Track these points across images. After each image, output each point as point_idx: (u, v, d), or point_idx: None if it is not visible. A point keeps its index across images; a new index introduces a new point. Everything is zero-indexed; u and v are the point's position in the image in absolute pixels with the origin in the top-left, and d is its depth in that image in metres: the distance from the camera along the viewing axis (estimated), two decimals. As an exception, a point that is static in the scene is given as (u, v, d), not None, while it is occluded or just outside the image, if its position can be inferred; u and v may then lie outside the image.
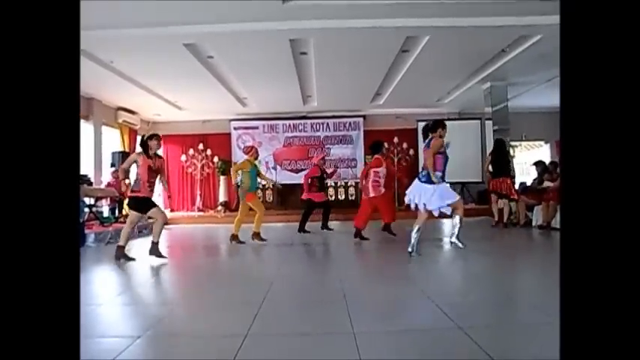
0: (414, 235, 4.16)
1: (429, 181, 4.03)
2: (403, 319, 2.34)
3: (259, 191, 11.04)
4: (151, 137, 4.51)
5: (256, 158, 5.87)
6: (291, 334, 2.09)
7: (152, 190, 4.52)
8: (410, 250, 4.18)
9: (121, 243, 4.45)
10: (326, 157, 8.57)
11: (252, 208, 5.66)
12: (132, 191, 4.48)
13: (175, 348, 1.98)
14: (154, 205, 4.53)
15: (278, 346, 1.93)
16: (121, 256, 4.37)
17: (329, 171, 7.23)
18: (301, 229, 6.53)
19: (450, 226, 4.77)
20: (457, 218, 4.23)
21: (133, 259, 4.38)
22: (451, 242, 4.37)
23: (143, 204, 4.42)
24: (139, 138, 10.34)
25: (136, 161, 4.41)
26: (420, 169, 4.34)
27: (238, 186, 5.79)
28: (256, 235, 5.63)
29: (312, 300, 2.79)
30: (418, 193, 4.13)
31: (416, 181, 4.24)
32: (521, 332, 2.04)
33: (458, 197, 4.23)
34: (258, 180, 5.97)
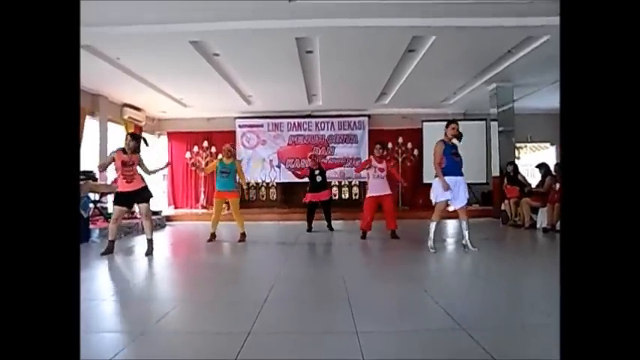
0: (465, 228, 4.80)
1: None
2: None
3: (263, 189, 11.13)
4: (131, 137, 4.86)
5: (230, 156, 5.82)
6: (295, 332, 2.09)
7: (129, 182, 4.70)
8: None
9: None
10: (318, 155, 8.93)
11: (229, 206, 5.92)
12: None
13: (178, 345, 1.99)
14: (139, 200, 4.79)
15: (280, 344, 1.94)
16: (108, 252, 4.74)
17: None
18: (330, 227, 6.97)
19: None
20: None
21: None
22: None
23: (122, 198, 4.74)
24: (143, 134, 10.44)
25: (113, 159, 4.71)
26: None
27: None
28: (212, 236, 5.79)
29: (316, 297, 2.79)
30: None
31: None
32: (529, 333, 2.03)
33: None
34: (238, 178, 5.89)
